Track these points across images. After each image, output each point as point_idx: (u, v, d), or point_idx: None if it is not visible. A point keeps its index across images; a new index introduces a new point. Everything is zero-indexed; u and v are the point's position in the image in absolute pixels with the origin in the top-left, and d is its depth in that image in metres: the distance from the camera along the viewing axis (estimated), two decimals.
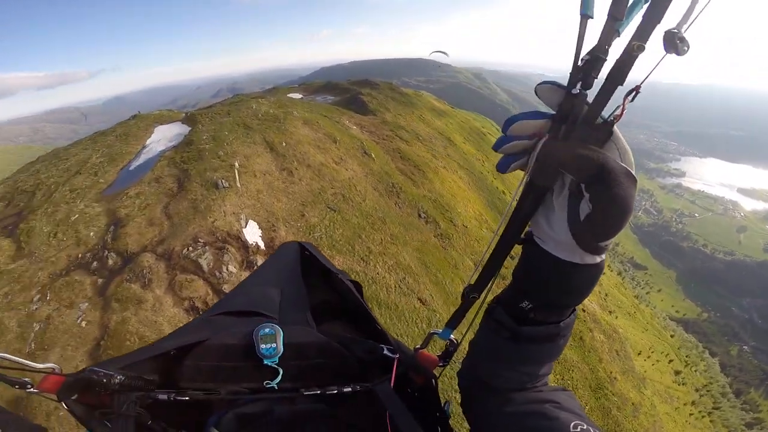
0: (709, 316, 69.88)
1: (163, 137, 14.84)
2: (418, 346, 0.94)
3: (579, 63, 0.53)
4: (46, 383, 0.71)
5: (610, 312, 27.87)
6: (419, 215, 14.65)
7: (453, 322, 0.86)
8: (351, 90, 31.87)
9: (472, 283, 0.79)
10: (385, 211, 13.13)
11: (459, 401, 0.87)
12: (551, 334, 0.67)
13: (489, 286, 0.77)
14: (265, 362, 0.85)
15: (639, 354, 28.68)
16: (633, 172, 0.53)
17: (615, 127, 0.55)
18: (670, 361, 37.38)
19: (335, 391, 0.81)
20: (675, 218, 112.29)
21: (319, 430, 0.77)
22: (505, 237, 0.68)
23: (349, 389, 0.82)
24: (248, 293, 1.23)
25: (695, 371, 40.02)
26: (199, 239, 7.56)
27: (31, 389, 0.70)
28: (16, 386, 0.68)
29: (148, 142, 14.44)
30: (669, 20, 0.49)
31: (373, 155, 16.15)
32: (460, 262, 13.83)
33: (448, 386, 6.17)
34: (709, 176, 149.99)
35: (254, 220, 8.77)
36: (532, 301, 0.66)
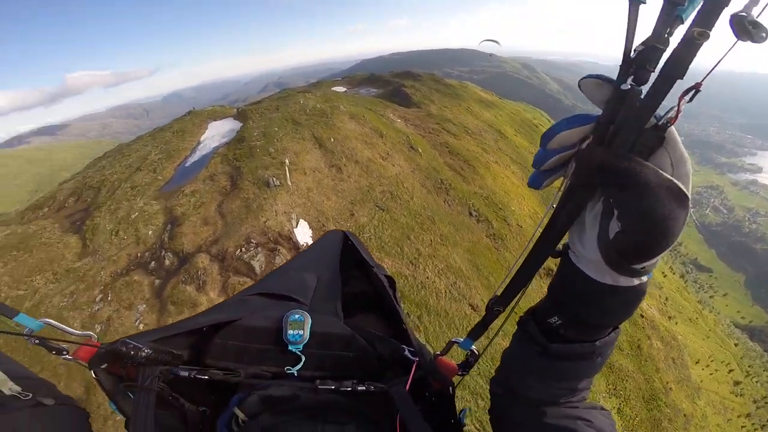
0: None
1: (216, 133, 15.16)
2: (438, 353, 0.91)
3: (631, 54, 0.46)
4: (81, 352, 0.72)
5: (669, 317, 25.36)
6: (470, 214, 13.83)
7: (475, 333, 0.84)
8: (393, 82, 31.17)
9: (498, 294, 0.75)
10: (434, 210, 12.47)
11: (485, 407, 0.75)
12: (585, 353, 0.62)
13: (516, 300, 0.73)
14: (290, 348, 0.84)
15: (697, 363, 25.81)
16: (683, 187, 0.44)
17: (672, 131, 0.46)
18: (731, 370, 33.46)
19: (350, 389, 0.80)
20: (748, 218, 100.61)
21: (341, 422, 0.74)
22: (538, 249, 0.63)
23: (363, 388, 0.80)
24: (286, 277, 1.25)
25: (756, 382, 35.52)
26: (252, 240, 7.42)
27: (67, 356, 0.71)
28: (53, 352, 0.70)
29: (202, 138, 14.81)
30: (738, 3, 0.42)
31: (419, 150, 15.48)
32: (512, 264, 12.93)
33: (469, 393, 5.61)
34: None
35: (305, 220, 8.53)
36: (563, 317, 0.62)
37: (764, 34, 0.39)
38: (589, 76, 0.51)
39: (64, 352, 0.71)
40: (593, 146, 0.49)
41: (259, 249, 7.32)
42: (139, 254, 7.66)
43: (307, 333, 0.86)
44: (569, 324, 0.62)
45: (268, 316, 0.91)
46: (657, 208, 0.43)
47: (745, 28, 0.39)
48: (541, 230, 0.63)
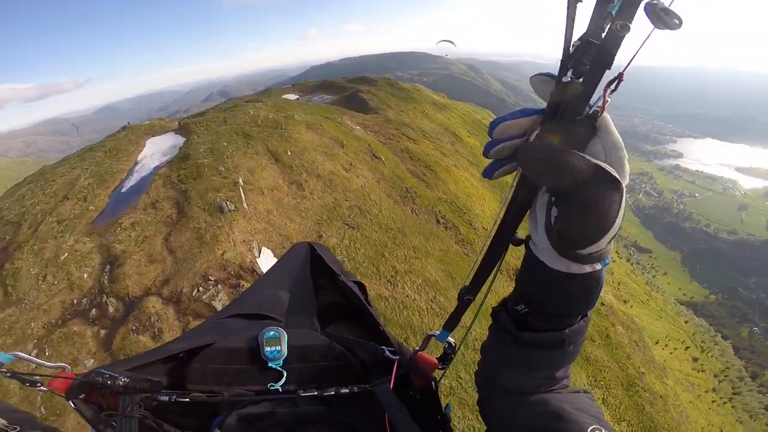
0: (716, 298, 69.57)
1: (156, 150, 13.73)
2: (417, 348, 0.91)
3: (570, 49, 0.49)
4: (56, 383, 0.74)
5: (624, 301, 27.19)
6: (437, 221, 13.68)
7: (450, 324, 0.85)
8: (348, 88, 30.66)
9: (467, 284, 0.77)
10: (403, 221, 12.14)
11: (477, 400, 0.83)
12: (555, 341, 0.63)
13: (487, 288, 0.76)
14: (270, 365, 0.85)
15: (656, 343, 28.03)
16: (611, 171, 0.46)
17: (604, 119, 0.49)
18: (687, 347, 36.86)
19: (333, 392, 0.80)
20: (676, 199, 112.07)
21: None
22: (498, 238, 0.66)
23: (347, 390, 0.81)
24: (259, 296, 1.23)
25: (711, 356, 39.52)
26: (210, 277, 6.56)
27: (42, 387, 0.73)
28: (27, 384, 0.72)
29: (140, 157, 13.33)
30: None
31: (382, 158, 15.12)
32: None
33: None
34: (706, 156, 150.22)
35: (268, 247, 7.76)
36: (528, 306, 0.63)
37: (677, 21, 0.41)
38: (539, 74, 0.53)
39: (39, 384, 0.73)
40: (541, 135, 0.51)
41: (219, 287, 6.48)
42: (75, 301, 6.50)
43: (284, 348, 0.86)
44: (535, 313, 0.63)
45: (243, 336, 0.91)
46: (587, 192, 0.45)
47: (658, 15, 0.42)
48: (499, 220, 0.64)
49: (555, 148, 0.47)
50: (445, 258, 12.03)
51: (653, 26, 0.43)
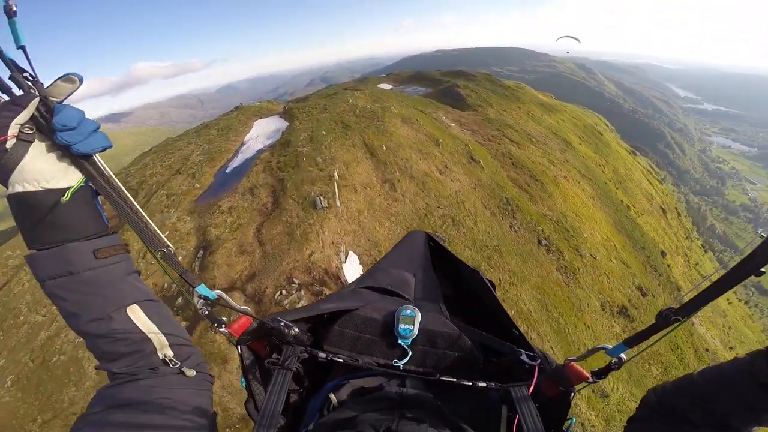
0: None
1: (261, 133, 14.19)
2: (572, 358, 0.86)
3: None
4: (236, 325, 0.78)
5: (730, 348, 21.63)
6: (539, 241, 11.81)
7: (633, 341, 0.78)
8: (443, 81, 29.14)
9: (677, 307, 0.71)
10: (500, 238, 10.62)
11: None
12: None
13: (692, 312, 0.70)
14: (399, 341, 0.87)
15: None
16: None
17: None
18: None
19: (470, 384, 0.80)
20: None
21: (417, 419, 0.73)
22: (742, 266, 0.60)
23: (484, 385, 0.80)
24: (387, 274, 1.22)
25: None
26: (294, 279, 6.10)
27: (223, 329, 0.76)
28: (215, 324, 0.75)
29: (246, 138, 13.89)
30: None
31: (481, 161, 13.59)
32: (585, 302, 10.83)
33: None
34: None
35: (355, 253, 7.10)
36: None
37: None
38: None
39: (223, 325, 0.75)
40: None
41: (302, 292, 5.97)
42: (165, 285, 6.58)
43: (416, 329, 0.87)
44: None
45: (382, 308, 0.92)
46: None
47: None
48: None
49: None
50: (542, 286, 10.28)
51: None
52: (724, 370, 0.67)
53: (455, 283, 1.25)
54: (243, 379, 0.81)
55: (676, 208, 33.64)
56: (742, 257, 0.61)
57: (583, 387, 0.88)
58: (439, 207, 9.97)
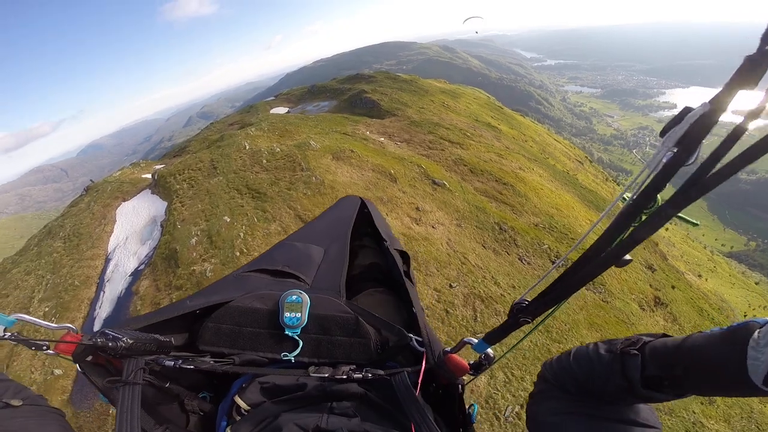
0: (756, 244, 65.86)
1: (130, 231, 9.22)
2: (448, 349, 0.84)
3: None
4: (63, 346, 0.70)
5: (699, 276, 23.11)
6: (552, 262, 9.27)
7: (492, 338, 0.76)
8: (346, 90, 26.01)
9: (528, 300, 0.67)
10: (521, 281, 7.73)
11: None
12: (662, 400, 0.63)
13: (548, 314, 0.69)
14: (287, 332, 0.80)
15: (745, 316, 24.04)
16: None
17: None
18: None
19: (344, 377, 0.75)
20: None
21: (348, 414, 0.71)
22: (593, 258, 0.55)
23: (360, 376, 0.75)
24: (289, 251, 1.15)
25: None
26: None
27: (48, 351, 0.69)
28: (33, 348, 0.68)
29: (110, 248, 8.83)
30: None
31: (445, 183, 10.64)
32: (629, 312, 8.68)
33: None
34: (693, 100, 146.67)
35: None
36: (675, 379, 0.58)
37: None
38: None
39: (45, 347, 0.68)
40: None
41: None
42: None
43: (305, 316, 0.80)
44: (673, 386, 0.58)
45: (264, 296, 0.84)
46: None
47: None
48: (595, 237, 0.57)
49: None
50: (592, 319, 7.75)
51: None
52: (591, 360, 0.68)
53: (379, 255, 1.14)
54: (102, 396, 0.71)
55: (586, 157, 35.84)
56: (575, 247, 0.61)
57: (470, 381, 0.87)
58: (451, 285, 6.61)
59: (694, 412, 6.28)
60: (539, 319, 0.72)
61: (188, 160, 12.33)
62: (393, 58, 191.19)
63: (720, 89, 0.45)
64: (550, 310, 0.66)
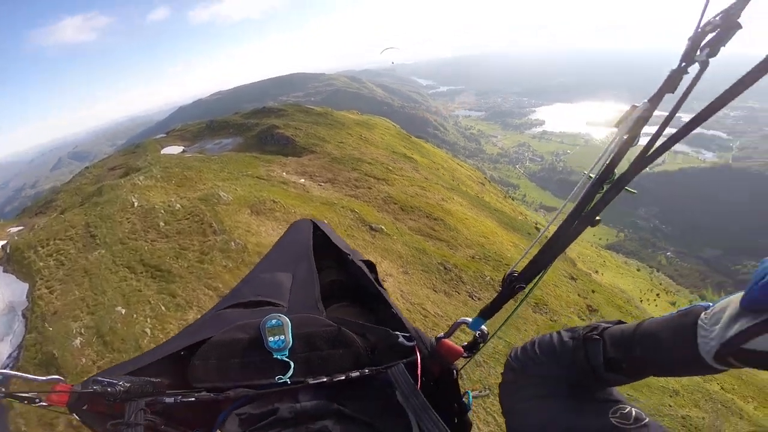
0: (624, 234, 79.79)
1: None
2: (441, 335, 0.88)
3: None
4: (55, 397, 0.71)
5: (596, 272, 26.62)
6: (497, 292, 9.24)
7: (488, 312, 0.83)
8: (253, 125, 24.22)
9: (518, 270, 0.75)
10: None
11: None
12: (621, 382, 0.68)
13: (539, 277, 0.75)
14: (275, 356, 0.81)
15: (641, 302, 28.08)
16: None
17: None
18: (657, 295, 39.54)
19: (343, 377, 0.77)
20: (555, 159, 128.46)
21: (326, 429, 0.71)
22: (567, 224, 0.68)
23: (357, 374, 0.77)
24: (256, 282, 1.15)
25: (672, 293, 43.26)
26: None
27: (41, 403, 0.70)
28: (26, 402, 0.69)
29: None
30: None
31: (383, 227, 10.00)
32: (573, 325, 8.98)
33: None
34: (562, 118, 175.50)
35: None
36: (632, 360, 0.63)
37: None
38: None
39: (37, 401, 0.70)
40: None
41: None
42: None
43: (289, 337, 0.80)
44: (625, 363, 0.64)
45: (244, 325, 0.85)
46: None
47: None
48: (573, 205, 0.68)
49: None
50: None
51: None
52: (555, 347, 0.73)
53: (343, 270, 1.14)
54: None
55: (485, 178, 39.38)
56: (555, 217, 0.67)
57: (465, 363, 0.90)
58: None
59: (670, 405, 6.51)
60: (531, 285, 0.77)
61: (54, 224, 9.52)
62: (300, 90, 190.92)
63: (653, 94, 0.63)
64: (541, 273, 0.73)
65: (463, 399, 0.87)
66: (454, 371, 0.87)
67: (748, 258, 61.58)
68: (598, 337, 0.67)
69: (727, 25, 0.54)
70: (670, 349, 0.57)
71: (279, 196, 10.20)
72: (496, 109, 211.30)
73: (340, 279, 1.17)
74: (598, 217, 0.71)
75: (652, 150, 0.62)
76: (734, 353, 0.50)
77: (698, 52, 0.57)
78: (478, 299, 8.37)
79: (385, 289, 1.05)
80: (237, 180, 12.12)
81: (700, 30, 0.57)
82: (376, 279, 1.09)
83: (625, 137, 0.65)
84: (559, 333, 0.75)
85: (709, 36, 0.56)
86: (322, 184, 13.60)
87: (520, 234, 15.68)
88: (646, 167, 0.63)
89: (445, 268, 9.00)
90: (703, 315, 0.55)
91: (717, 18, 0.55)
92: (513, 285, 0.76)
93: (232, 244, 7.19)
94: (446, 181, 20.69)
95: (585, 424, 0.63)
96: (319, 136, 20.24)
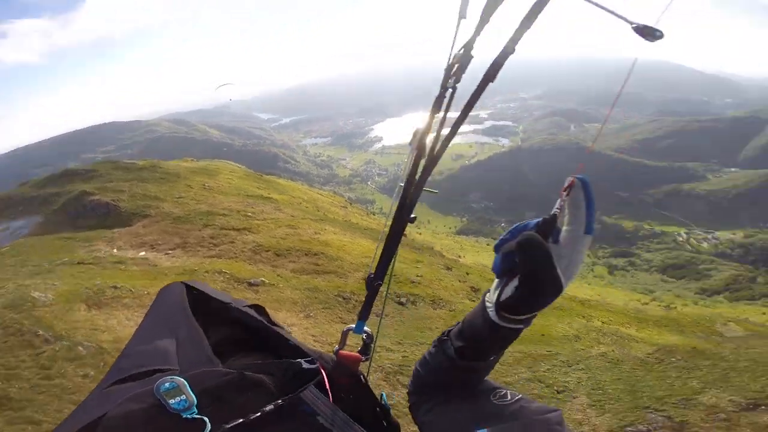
0: (466, 218, 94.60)
1: None
2: (337, 348, 0.92)
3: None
4: None
5: (459, 257, 30.92)
6: (400, 304, 9.51)
7: (364, 314, 0.90)
8: (53, 197, 19.04)
9: (373, 272, 0.85)
10: (404, 340, 7.39)
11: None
12: (479, 368, 0.79)
13: (390, 269, 0.86)
14: (185, 416, 0.73)
15: None
16: (564, 284, 0.62)
17: (587, 240, 0.65)
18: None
19: (259, 414, 0.73)
20: (396, 169, 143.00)
21: None
22: (395, 224, 0.81)
23: (271, 407, 0.74)
24: (137, 354, 1.03)
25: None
26: None
27: None
28: None
29: None
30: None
31: (263, 280, 9.11)
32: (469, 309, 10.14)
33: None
34: (395, 132, 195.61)
35: None
36: (463, 341, 0.76)
37: (659, 33, 0.56)
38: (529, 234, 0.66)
39: None
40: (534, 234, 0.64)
41: None
42: None
43: (190, 395, 0.74)
44: (467, 348, 0.75)
45: (136, 396, 0.78)
46: (544, 288, 0.61)
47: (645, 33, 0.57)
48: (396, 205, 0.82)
49: (551, 255, 0.61)
50: None
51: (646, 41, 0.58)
52: (426, 359, 0.85)
53: (231, 324, 1.07)
54: None
55: (346, 200, 41.03)
56: (388, 219, 0.83)
57: (368, 368, 0.94)
58: None
59: (583, 349, 7.74)
60: (387, 278, 0.89)
61: None
62: (110, 143, 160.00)
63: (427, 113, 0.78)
64: (390, 267, 0.85)
65: (381, 401, 0.91)
66: (362, 377, 0.90)
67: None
68: (446, 337, 0.80)
69: (465, 59, 0.69)
70: (479, 325, 0.70)
71: (119, 279, 8.20)
72: (340, 132, 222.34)
73: (230, 333, 1.09)
74: (413, 215, 0.83)
75: (436, 151, 0.76)
76: (502, 308, 0.64)
77: (450, 81, 0.72)
78: (386, 315, 8.53)
79: (281, 326, 1.03)
80: (51, 272, 9.24)
81: (450, 63, 0.71)
82: (269, 320, 1.06)
83: (415, 152, 0.78)
84: (429, 348, 0.86)
85: (455, 67, 0.72)
86: (171, 252, 11.64)
87: (413, 248, 16.78)
88: (433, 168, 0.77)
89: (344, 298, 8.88)
90: (486, 292, 0.70)
91: (460, 52, 0.70)
92: (373, 284, 0.86)
93: (81, 348, 5.41)
94: (312, 213, 20.57)
95: (476, 412, 0.73)
96: (149, 196, 17.32)
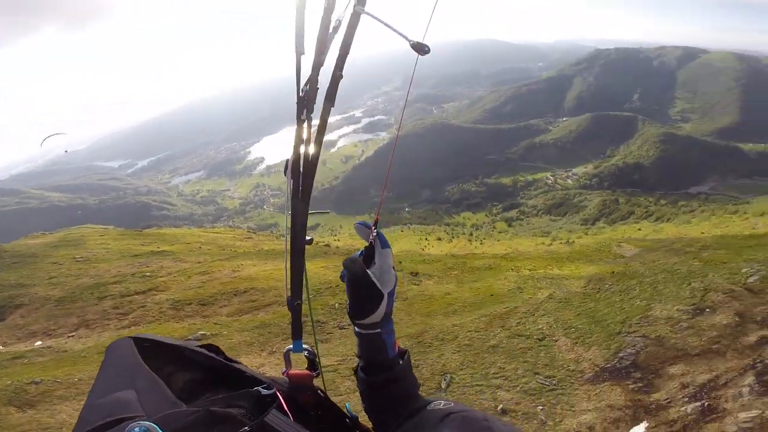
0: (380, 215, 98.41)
1: None
2: (284, 369, 0.96)
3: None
4: None
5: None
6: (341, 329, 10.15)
7: (296, 333, 0.97)
8: None
9: (290, 294, 0.94)
10: (348, 358, 8.04)
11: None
12: (390, 379, 0.89)
13: (305, 283, 0.94)
14: None
15: (424, 249, 36.58)
16: (378, 287, 0.79)
17: (387, 253, 0.81)
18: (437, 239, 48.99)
19: None
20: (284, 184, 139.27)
21: None
22: (294, 246, 0.89)
23: None
24: (98, 408, 0.96)
25: (434, 233, 54.22)
26: None
27: None
28: None
29: None
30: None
31: (205, 333, 8.76)
32: (443, 290, 11.41)
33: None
34: (276, 148, 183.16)
35: None
36: (361, 358, 0.93)
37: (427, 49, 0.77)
38: (359, 223, 0.84)
39: None
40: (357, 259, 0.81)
41: None
42: None
43: None
44: (366, 365, 0.90)
45: None
46: (365, 294, 0.78)
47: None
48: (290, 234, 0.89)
49: (364, 267, 0.77)
50: (427, 309, 9.48)
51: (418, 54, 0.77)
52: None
53: (188, 368, 1.09)
54: None
55: (248, 230, 38.80)
56: (286, 245, 0.91)
57: (322, 382, 0.99)
58: None
59: (530, 297, 7.70)
60: (305, 294, 0.96)
61: None
62: None
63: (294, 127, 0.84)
64: (303, 282, 0.92)
65: (346, 411, 0.95)
66: (319, 392, 0.94)
67: (449, 184, 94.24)
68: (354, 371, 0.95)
69: (312, 93, 0.80)
70: (357, 340, 0.87)
71: (32, 374, 7.00)
72: (213, 163, 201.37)
73: (191, 377, 1.10)
74: (309, 237, 0.89)
75: (308, 170, 0.83)
76: (349, 318, 0.84)
77: (303, 112, 0.81)
78: (348, 326, 8.97)
79: (237, 361, 1.08)
80: None
81: (299, 97, 0.81)
82: (226, 358, 1.09)
83: (291, 181, 0.84)
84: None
85: (305, 100, 0.81)
86: (73, 334, 10.14)
87: (319, 258, 17.10)
88: (311, 189, 0.84)
89: (265, 327, 9.03)
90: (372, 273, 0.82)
91: (306, 87, 0.79)
92: (294, 305, 0.93)
93: None
94: (219, 253, 19.28)
95: (423, 426, 0.76)
96: (11, 285, 14.23)
